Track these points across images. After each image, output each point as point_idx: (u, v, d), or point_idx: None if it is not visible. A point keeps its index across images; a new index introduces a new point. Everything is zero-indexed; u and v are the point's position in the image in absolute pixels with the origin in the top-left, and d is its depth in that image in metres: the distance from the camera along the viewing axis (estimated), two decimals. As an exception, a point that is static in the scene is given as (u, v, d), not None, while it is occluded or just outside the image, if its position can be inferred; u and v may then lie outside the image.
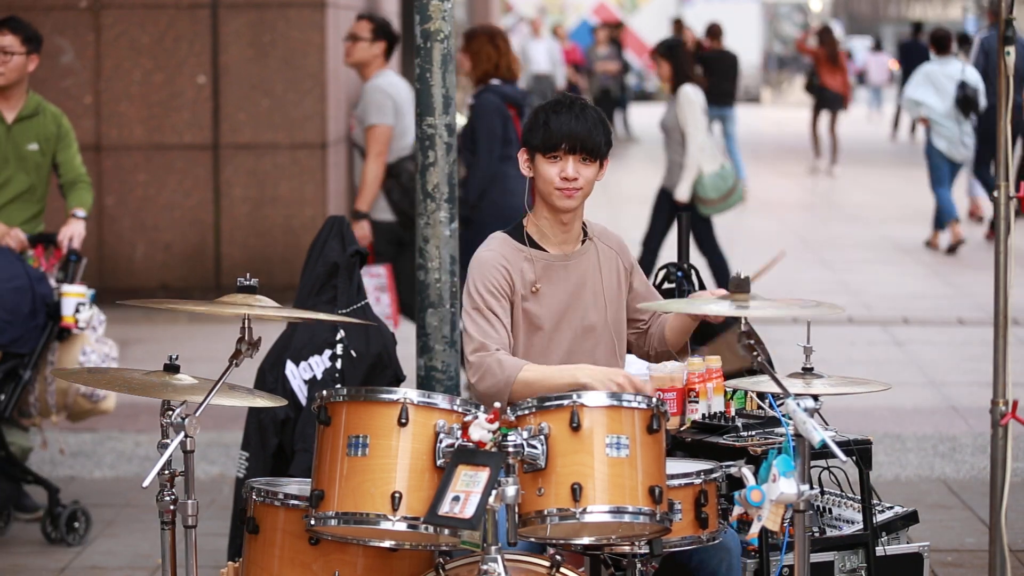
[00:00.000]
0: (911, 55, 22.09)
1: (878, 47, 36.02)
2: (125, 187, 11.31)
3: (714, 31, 19.34)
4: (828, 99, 20.87)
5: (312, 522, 3.71)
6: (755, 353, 3.71)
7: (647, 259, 10.13)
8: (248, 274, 3.99)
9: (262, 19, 11.26)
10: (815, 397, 3.70)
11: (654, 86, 35.46)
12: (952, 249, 13.77)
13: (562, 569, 3.66)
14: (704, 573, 4.14)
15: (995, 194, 4.39)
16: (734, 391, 4.78)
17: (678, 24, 25.20)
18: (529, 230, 4.33)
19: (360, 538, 3.74)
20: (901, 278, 12.73)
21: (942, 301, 11.57)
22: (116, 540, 6.27)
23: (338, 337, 5.41)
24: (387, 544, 3.74)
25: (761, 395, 4.61)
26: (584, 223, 4.39)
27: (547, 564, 3.67)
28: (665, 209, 10.21)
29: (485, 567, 3.54)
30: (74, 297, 6.23)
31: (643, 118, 27.52)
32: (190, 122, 11.29)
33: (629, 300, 4.42)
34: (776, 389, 3.83)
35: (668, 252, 5.38)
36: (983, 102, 13.22)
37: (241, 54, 11.26)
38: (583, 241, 4.36)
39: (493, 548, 3.55)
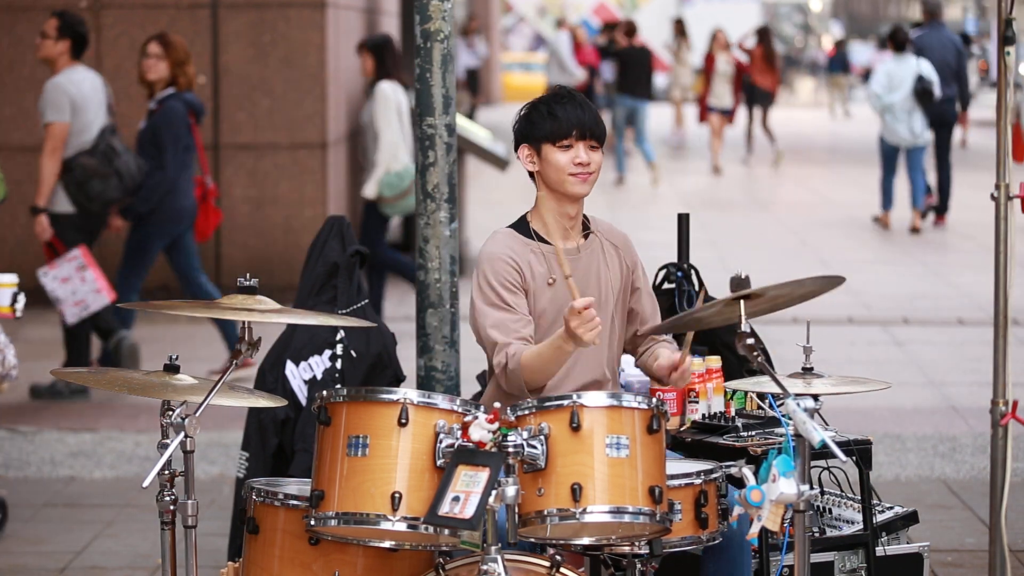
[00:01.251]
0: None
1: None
2: (125, 187, 11.30)
3: (629, 28, 20.90)
4: (758, 96, 22.83)
5: (312, 522, 3.71)
6: (755, 353, 3.71)
7: (377, 263, 10.20)
8: (248, 274, 4.00)
9: (262, 19, 11.26)
10: (815, 397, 3.70)
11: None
12: (880, 223, 15.60)
13: (562, 569, 3.66)
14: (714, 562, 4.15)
15: (995, 193, 4.39)
16: (734, 391, 4.78)
17: (679, 24, 25.23)
18: (534, 225, 4.34)
19: (360, 538, 3.74)
20: (901, 278, 12.73)
21: (942, 301, 11.57)
22: (116, 540, 6.27)
23: (338, 337, 5.41)
24: (387, 544, 3.74)
25: (761, 395, 4.61)
26: (587, 217, 4.40)
27: (547, 564, 3.67)
28: (374, 212, 10.33)
29: (485, 567, 3.54)
30: (8, 288, 6.28)
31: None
32: (190, 122, 11.28)
33: (631, 298, 4.43)
34: (776, 389, 3.83)
35: (667, 253, 5.38)
36: (937, 93, 14.73)
37: (241, 54, 11.26)
38: (586, 236, 4.37)
39: (493, 548, 3.55)
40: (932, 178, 15.87)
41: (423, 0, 5.31)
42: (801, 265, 13.16)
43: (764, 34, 23.28)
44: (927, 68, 14.79)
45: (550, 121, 4.26)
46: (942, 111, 15.13)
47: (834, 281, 3.90)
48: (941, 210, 15.59)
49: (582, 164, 4.24)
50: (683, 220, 5.39)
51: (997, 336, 4.37)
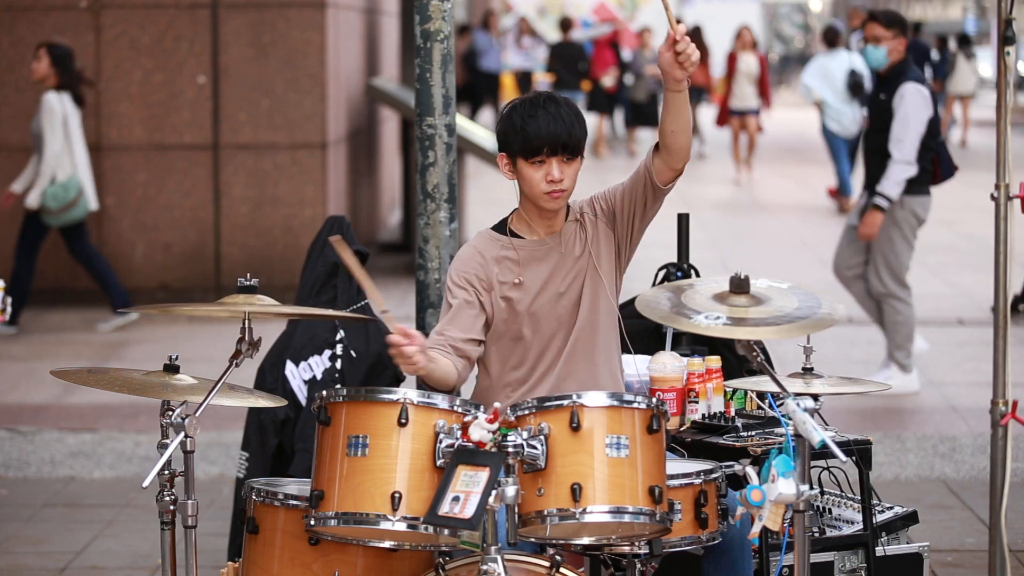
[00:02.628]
0: (914, 54, 22.95)
1: None
2: (125, 187, 11.32)
3: (564, 24, 23.14)
4: (692, 93, 22.30)
5: (312, 522, 3.71)
6: (755, 353, 3.71)
7: (20, 267, 10.26)
8: (248, 274, 4.00)
9: (262, 19, 11.26)
10: (815, 397, 3.70)
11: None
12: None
13: (562, 569, 3.66)
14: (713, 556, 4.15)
15: (994, 194, 4.39)
16: (734, 391, 4.78)
17: (696, 32, 25.28)
18: (514, 225, 4.32)
19: (360, 538, 3.74)
20: (901, 278, 12.71)
21: (942, 301, 11.56)
22: (116, 540, 6.27)
23: (338, 337, 5.41)
24: (387, 544, 3.74)
25: (761, 395, 4.61)
26: (568, 205, 4.35)
27: (547, 564, 3.67)
28: (35, 223, 10.32)
29: (485, 567, 3.54)
30: None
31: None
32: (190, 122, 11.29)
33: (617, 207, 4.28)
34: (776, 389, 3.83)
35: (667, 253, 5.38)
36: (868, 86, 15.52)
37: (241, 54, 11.26)
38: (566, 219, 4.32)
39: (493, 548, 3.56)
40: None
41: (423, 0, 5.31)
42: (801, 265, 13.16)
43: (695, 34, 23.15)
44: (858, 62, 15.89)
45: (522, 137, 4.14)
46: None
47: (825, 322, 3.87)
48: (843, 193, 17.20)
49: (554, 181, 4.15)
50: (683, 220, 5.39)
51: (997, 336, 4.37)
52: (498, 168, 4.38)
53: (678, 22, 4.03)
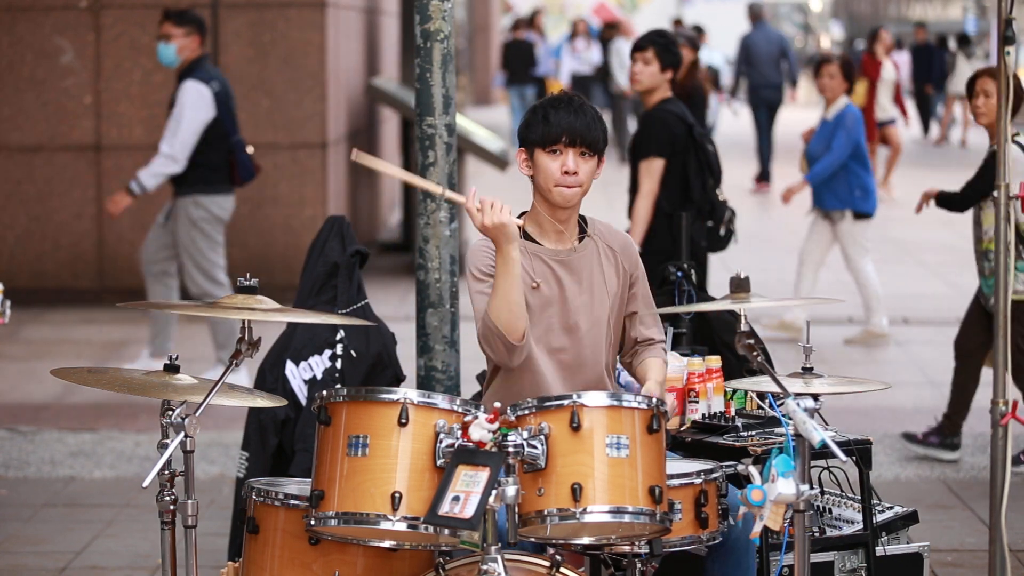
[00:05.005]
0: (920, 55, 26.28)
1: (899, 45, 36.28)
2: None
3: (518, 24, 24.27)
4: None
5: (312, 522, 3.71)
6: (755, 353, 3.71)
7: None
8: (248, 274, 4.00)
9: (262, 19, 11.26)
10: (815, 397, 3.70)
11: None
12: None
13: (562, 569, 3.66)
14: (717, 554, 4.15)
15: (995, 194, 4.39)
16: (734, 391, 4.78)
17: (677, 24, 25.23)
18: (527, 226, 4.34)
19: (360, 538, 3.74)
20: (901, 278, 12.72)
21: (942, 301, 11.56)
22: (116, 540, 6.27)
23: (338, 337, 5.40)
24: (387, 544, 3.74)
25: (761, 395, 4.61)
26: (583, 218, 4.38)
27: (547, 564, 3.67)
28: None
29: (485, 567, 3.54)
30: None
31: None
32: (190, 122, 11.27)
33: (628, 299, 4.41)
34: (776, 389, 3.83)
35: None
36: (726, 81, 18.73)
37: (241, 54, 11.25)
38: (581, 238, 4.35)
39: (493, 548, 3.55)
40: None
41: (423, 0, 5.30)
42: (801, 265, 13.14)
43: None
44: (718, 58, 19.41)
45: (542, 126, 4.23)
46: (769, 96, 18.67)
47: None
48: (763, 178, 18.56)
49: (569, 172, 4.20)
50: (683, 220, 5.39)
51: (997, 336, 4.37)
52: (497, 168, 4.39)
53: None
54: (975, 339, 7.56)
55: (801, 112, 27.97)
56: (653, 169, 7.61)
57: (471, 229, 13.00)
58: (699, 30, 23.22)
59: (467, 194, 4.07)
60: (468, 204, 4.03)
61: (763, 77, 18.63)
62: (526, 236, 4.31)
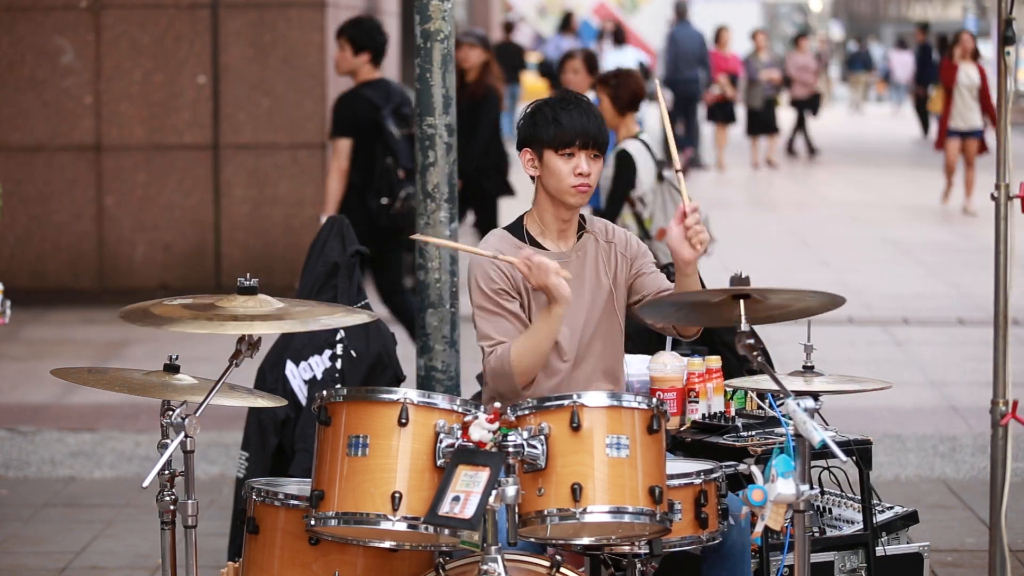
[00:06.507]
0: (923, 55, 26.65)
1: (902, 45, 36.40)
2: (125, 187, 11.31)
3: (507, 25, 24.95)
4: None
5: (312, 522, 3.71)
6: (755, 353, 3.71)
7: None
8: (248, 274, 3.99)
9: (262, 19, 11.26)
10: (815, 397, 3.70)
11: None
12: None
13: (562, 569, 3.66)
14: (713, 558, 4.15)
15: (995, 193, 4.39)
16: (734, 391, 4.78)
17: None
18: (529, 227, 4.33)
19: (360, 538, 3.74)
20: (901, 278, 12.72)
21: (942, 301, 11.56)
22: (116, 540, 6.27)
23: (338, 337, 5.41)
24: (387, 544, 3.74)
25: (761, 395, 4.61)
26: (583, 217, 4.38)
27: (547, 564, 3.67)
28: None
29: (485, 567, 3.54)
30: None
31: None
32: (190, 122, 11.29)
33: (635, 283, 4.36)
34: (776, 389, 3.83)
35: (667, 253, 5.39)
36: (655, 78, 19.23)
37: (241, 54, 11.26)
38: (580, 235, 4.35)
39: (493, 548, 3.55)
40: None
41: (423, 0, 5.31)
42: (801, 265, 13.16)
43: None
44: (643, 56, 20.45)
45: (554, 127, 4.20)
46: (689, 90, 20.35)
47: (836, 300, 3.86)
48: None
49: (583, 175, 4.20)
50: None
51: (997, 336, 4.37)
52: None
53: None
54: None
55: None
56: (341, 149, 8.35)
57: (471, 229, 12.99)
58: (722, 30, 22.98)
59: (519, 255, 4.08)
60: (519, 265, 4.06)
61: (685, 71, 20.25)
62: (529, 238, 4.31)
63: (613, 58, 19.98)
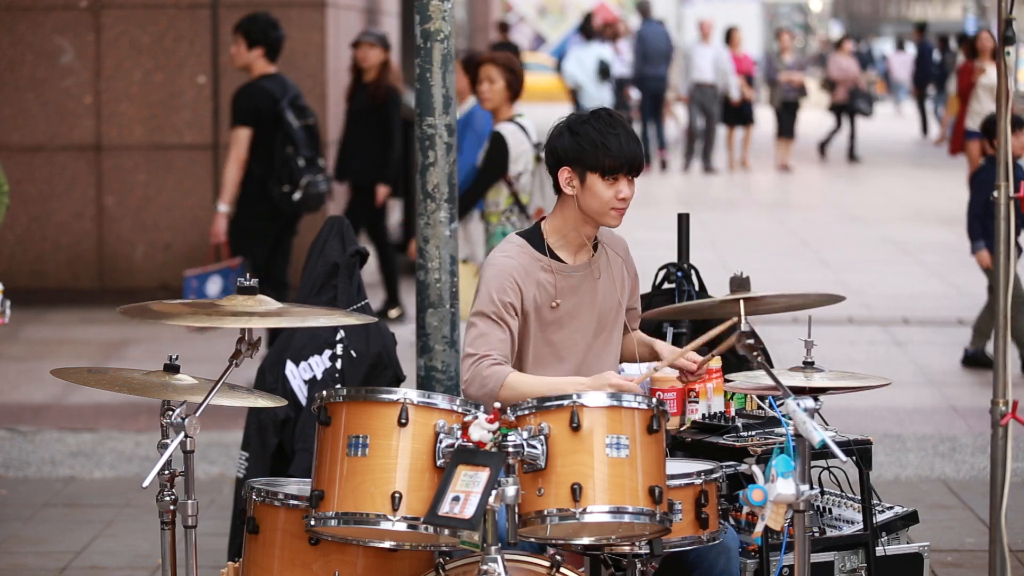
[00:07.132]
0: (922, 55, 27.13)
1: (900, 46, 36.47)
2: (125, 187, 11.31)
3: (502, 25, 24.67)
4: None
5: (312, 522, 3.71)
6: (755, 353, 3.71)
7: None
8: (248, 274, 3.99)
9: (262, 19, 11.23)
10: (815, 397, 3.70)
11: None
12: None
13: (562, 569, 3.66)
14: (701, 570, 4.14)
15: (995, 194, 4.39)
16: (733, 392, 4.78)
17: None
18: (549, 239, 4.32)
19: (360, 538, 3.74)
20: (901, 278, 12.73)
21: (942, 301, 11.56)
22: (116, 540, 6.27)
23: (338, 337, 5.40)
24: (387, 544, 3.74)
25: (761, 395, 4.61)
26: None
27: (547, 564, 3.67)
28: None
29: (485, 567, 3.54)
30: None
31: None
32: (190, 122, 11.28)
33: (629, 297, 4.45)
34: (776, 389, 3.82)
35: (668, 253, 5.38)
36: (617, 71, 20.67)
37: (241, 54, 11.23)
38: (595, 248, 4.37)
39: (493, 548, 3.55)
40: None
41: (423, 0, 5.30)
42: (801, 265, 13.17)
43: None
44: (607, 52, 20.44)
45: (603, 153, 4.17)
46: (654, 87, 20.96)
47: (833, 298, 3.88)
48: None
49: (624, 199, 4.21)
50: (683, 220, 5.38)
51: (997, 336, 4.37)
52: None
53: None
54: None
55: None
56: (240, 138, 8.65)
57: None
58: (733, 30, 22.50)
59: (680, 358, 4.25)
60: (690, 365, 4.28)
61: (652, 68, 20.79)
62: (549, 251, 4.31)
63: (577, 53, 20.70)
